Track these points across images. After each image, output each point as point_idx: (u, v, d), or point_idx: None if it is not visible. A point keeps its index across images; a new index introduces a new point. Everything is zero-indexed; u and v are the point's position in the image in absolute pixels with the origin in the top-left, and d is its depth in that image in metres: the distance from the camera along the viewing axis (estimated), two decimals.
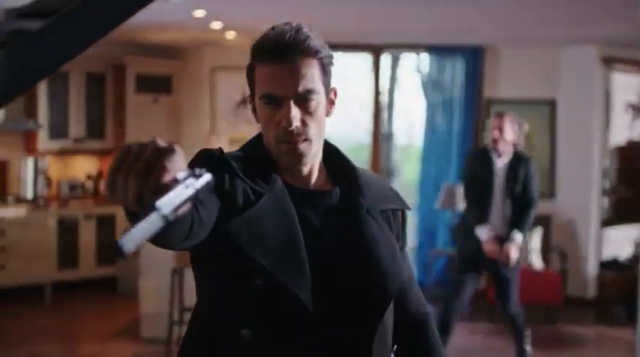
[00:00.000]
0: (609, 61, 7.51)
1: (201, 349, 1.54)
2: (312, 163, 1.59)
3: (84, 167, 8.08)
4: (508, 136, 4.99)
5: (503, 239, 4.98)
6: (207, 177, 1.06)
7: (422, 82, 8.08)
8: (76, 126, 7.75)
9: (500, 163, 5.05)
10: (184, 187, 1.00)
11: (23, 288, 7.20)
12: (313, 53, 1.52)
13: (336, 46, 7.76)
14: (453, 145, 7.68)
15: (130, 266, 6.86)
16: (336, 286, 1.48)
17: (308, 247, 1.47)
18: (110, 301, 7.42)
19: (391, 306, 1.57)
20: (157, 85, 7.98)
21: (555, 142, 7.60)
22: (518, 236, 4.95)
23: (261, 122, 1.56)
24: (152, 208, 0.92)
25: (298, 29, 1.52)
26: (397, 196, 1.68)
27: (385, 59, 8.16)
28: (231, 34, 7.19)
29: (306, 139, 1.52)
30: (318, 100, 1.53)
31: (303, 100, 1.51)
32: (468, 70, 7.67)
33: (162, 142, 1.04)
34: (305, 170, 1.58)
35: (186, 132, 8.12)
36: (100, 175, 8.11)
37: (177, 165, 1.02)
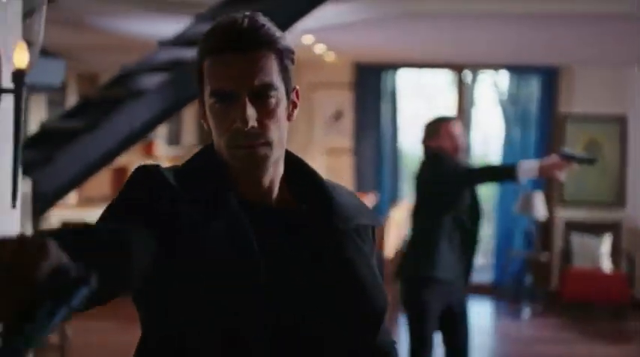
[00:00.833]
0: None
1: None
2: (274, 174, 1.34)
3: None
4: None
5: None
6: (83, 291, 0.82)
7: (499, 98, 8.62)
8: (189, 134, 8.69)
9: None
10: (50, 315, 0.80)
11: None
12: (271, 43, 1.28)
13: (422, 65, 8.44)
14: (529, 157, 8.24)
15: None
16: (319, 312, 1.27)
17: (277, 274, 1.24)
18: None
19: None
20: None
21: (626, 154, 8.11)
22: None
23: (211, 126, 1.30)
24: (15, 340, 0.78)
25: (253, 16, 1.29)
26: (369, 210, 1.47)
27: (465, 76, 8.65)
28: (330, 56, 7.84)
29: (265, 143, 1.27)
30: (278, 98, 1.29)
31: (260, 97, 1.26)
32: (544, 87, 8.25)
33: (27, 237, 0.83)
34: (265, 181, 1.32)
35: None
36: None
37: (45, 270, 0.81)
